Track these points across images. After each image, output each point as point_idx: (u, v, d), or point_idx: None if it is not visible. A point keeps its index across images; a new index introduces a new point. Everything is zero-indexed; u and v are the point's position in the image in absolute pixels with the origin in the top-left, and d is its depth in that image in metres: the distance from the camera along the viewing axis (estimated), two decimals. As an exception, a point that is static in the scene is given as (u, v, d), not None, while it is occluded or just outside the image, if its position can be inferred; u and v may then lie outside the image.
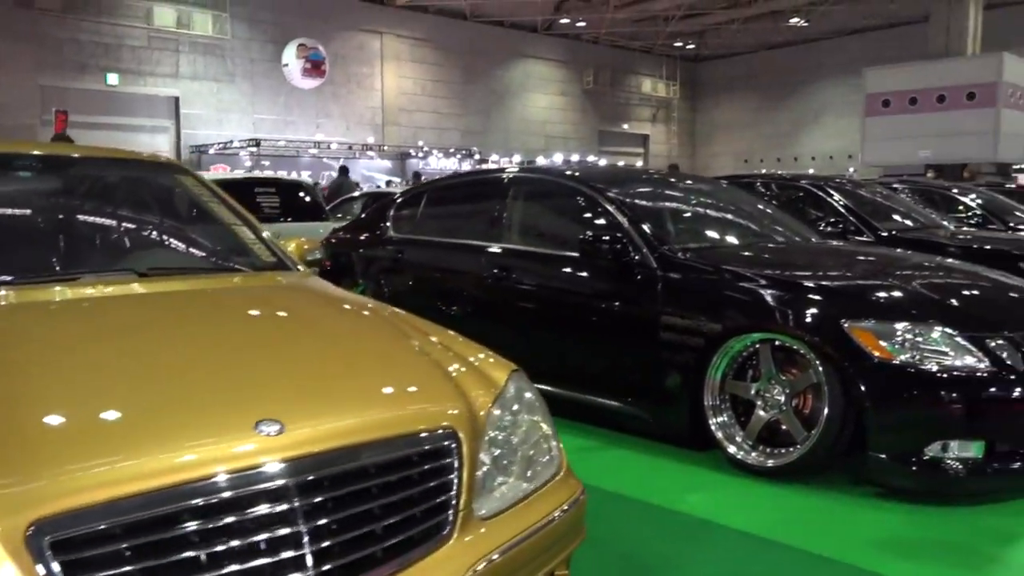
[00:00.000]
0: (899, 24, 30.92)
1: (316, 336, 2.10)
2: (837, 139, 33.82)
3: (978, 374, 3.09)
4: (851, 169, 28.11)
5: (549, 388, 4.20)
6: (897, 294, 3.46)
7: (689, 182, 5.02)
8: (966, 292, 3.70)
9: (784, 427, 3.38)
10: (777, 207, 7.52)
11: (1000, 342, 3.17)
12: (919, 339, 3.13)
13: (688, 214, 4.54)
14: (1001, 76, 17.14)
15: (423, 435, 1.75)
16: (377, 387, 1.87)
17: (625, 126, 38.83)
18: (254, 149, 25.63)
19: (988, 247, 6.02)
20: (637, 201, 4.29)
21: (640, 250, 3.80)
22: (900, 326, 3.17)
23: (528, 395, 2.10)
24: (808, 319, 3.30)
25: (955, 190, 9.24)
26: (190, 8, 25.91)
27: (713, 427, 3.56)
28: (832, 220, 6.20)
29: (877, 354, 3.12)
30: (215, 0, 26.46)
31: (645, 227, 3.92)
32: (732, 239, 4.35)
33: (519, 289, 4.38)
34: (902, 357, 3.12)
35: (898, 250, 4.69)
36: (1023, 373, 3.14)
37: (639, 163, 37.57)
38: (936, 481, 3.13)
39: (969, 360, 3.11)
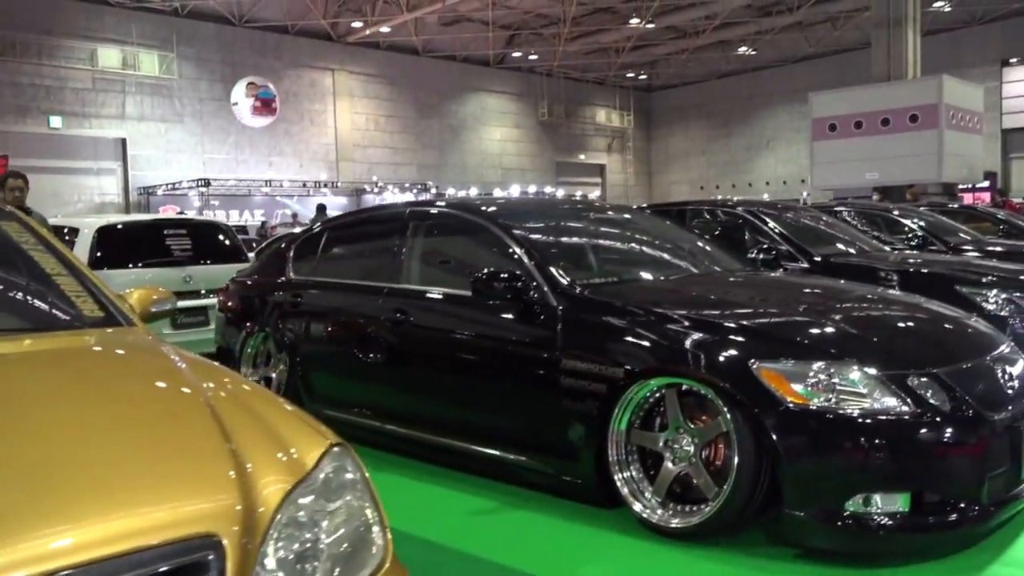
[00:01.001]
0: (843, 51, 31.51)
1: (84, 418, 1.72)
2: (789, 164, 34.23)
3: (902, 417, 2.77)
4: (805, 193, 28.37)
5: (450, 441, 3.85)
6: (814, 330, 3.13)
7: (608, 213, 4.71)
8: (894, 325, 3.40)
9: (697, 482, 3.05)
10: (709, 235, 7.36)
11: (925, 380, 2.86)
12: (836, 380, 2.80)
13: (599, 247, 4.23)
14: (941, 98, 17.34)
15: (170, 546, 1.38)
16: (127, 486, 1.48)
17: (582, 156, 38.97)
18: (204, 189, 25.12)
19: (924, 270, 5.80)
20: (540, 234, 3.97)
21: (540, 288, 3.47)
22: (815, 366, 2.84)
23: (349, 475, 1.74)
24: (714, 360, 2.95)
25: (896, 212, 9.12)
26: (136, 49, 25.48)
27: (618, 483, 3.20)
28: (766, 246, 5.95)
29: (789, 399, 2.79)
30: (162, 40, 26.08)
31: (546, 262, 3.59)
32: (645, 273, 4.04)
33: (417, 334, 4.03)
34: (816, 401, 2.79)
35: (827, 279, 4.40)
36: (951, 414, 2.81)
37: (596, 192, 37.64)
38: (859, 540, 2.76)
39: (891, 402, 2.78)
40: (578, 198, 16.15)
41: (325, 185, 28.19)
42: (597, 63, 35.08)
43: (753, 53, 34.08)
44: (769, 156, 37.02)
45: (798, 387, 2.80)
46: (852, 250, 6.51)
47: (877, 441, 2.72)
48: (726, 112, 38.04)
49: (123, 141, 25.99)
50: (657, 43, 32.95)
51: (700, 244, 4.69)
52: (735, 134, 38.18)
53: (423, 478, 3.94)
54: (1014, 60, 30.91)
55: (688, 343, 3.04)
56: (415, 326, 4.04)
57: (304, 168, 29.56)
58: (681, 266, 4.22)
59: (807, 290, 3.88)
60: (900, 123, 17.86)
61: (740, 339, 2.98)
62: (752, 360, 2.87)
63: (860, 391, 2.81)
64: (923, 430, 2.76)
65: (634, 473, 3.19)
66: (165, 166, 26.40)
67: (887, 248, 6.80)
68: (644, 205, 7.13)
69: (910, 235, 8.38)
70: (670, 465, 3.11)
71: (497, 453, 3.62)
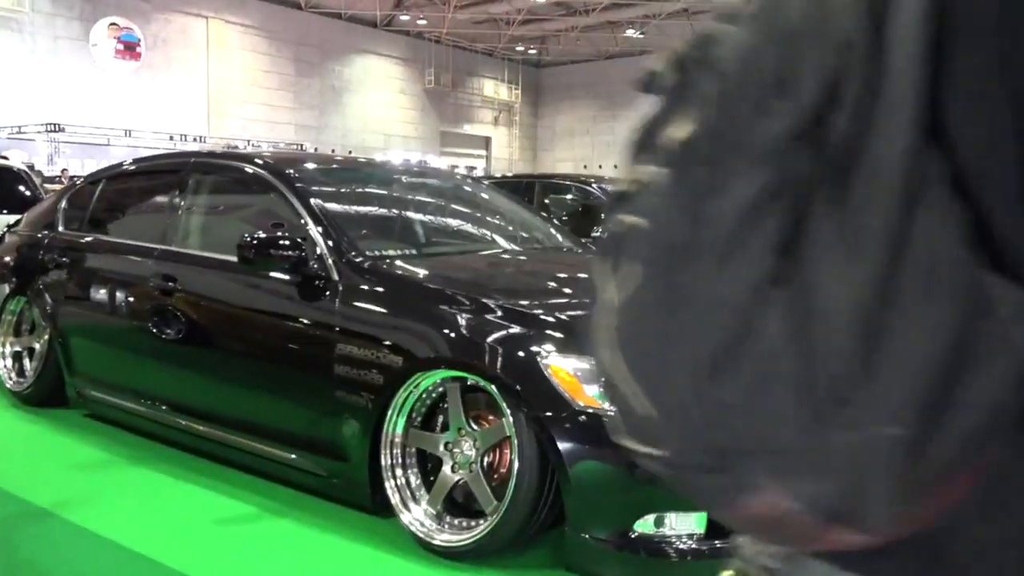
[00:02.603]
0: (727, 41, 32.12)
1: None
2: (671, 149, 34.74)
3: None
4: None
5: (219, 433, 3.27)
6: None
7: (431, 180, 4.19)
8: None
9: (476, 493, 2.61)
10: (568, 212, 7.03)
11: None
12: None
13: (408, 218, 3.71)
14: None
15: None
16: None
17: (467, 127, 38.33)
18: (54, 135, 23.03)
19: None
20: (339, 198, 3.44)
21: (324, 259, 2.93)
22: None
23: None
24: (498, 351, 2.51)
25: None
26: (-20, -25, 23.05)
27: (390, 490, 2.74)
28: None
29: (580, 401, 2.40)
30: (13, -33, 23.69)
31: (335, 229, 3.06)
32: (451, 247, 3.57)
33: (186, 305, 3.44)
34: (606, 404, 2.43)
35: None
36: None
37: (481, 165, 37.20)
38: (649, 567, 2.43)
39: None
40: (422, 165, 15.60)
41: (195, 139, 26.54)
42: (487, 34, 34.48)
43: (641, 36, 34.33)
44: (652, 140, 37.51)
45: (588, 386, 2.41)
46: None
47: None
48: (613, 94, 38.28)
49: (-39, 77, 23.57)
50: (547, 18, 32.66)
51: (532, 219, 4.27)
52: (621, 117, 38.48)
53: (189, 476, 3.36)
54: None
55: (472, 329, 2.59)
56: (184, 296, 3.44)
57: (173, 120, 27.68)
58: (497, 241, 3.78)
59: None
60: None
61: (531, 328, 2.55)
62: (541, 354, 2.45)
63: None
64: None
65: (412, 479, 2.73)
66: (11, 107, 24.08)
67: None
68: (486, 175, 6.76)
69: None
70: (449, 472, 2.66)
71: (267, 449, 3.09)
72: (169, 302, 3.47)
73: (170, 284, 3.48)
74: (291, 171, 3.32)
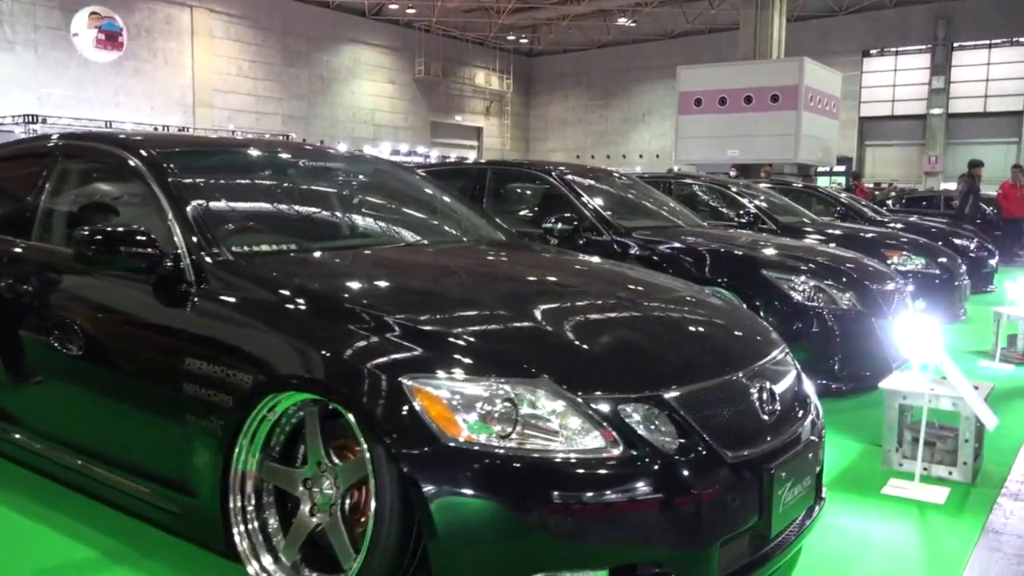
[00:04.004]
0: (719, 30, 31.67)
1: None
2: (663, 138, 34.27)
3: (605, 462, 2.00)
4: (675, 167, 28.43)
5: (73, 460, 2.83)
6: (511, 334, 2.30)
7: (331, 164, 3.70)
8: (627, 328, 2.56)
9: (333, 541, 2.19)
10: (517, 202, 6.63)
11: (647, 408, 2.10)
12: (519, 408, 2.01)
13: (294, 208, 3.26)
14: (802, 80, 17.35)
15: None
16: None
17: (458, 118, 37.88)
18: (35, 127, 22.52)
19: (732, 251, 5.19)
20: (207, 184, 3.00)
21: (180, 256, 2.52)
22: (490, 387, 2.04)
23: None
24: (358, 371, 2.10)
25: (734, 188, 8.68)
26: (-43, -36, 22.54)
27: (237, 536, 2.33)
28: (567, 215, 5.24)
29: (448, 432, 1.99)
30: (-10, -44, 23.18)
31: (201, 222, 2.64)
32: (340, 241, 3.13)
33: (33, 310, 3.03)
34: (485, 437, 1.98)
35: (582, 259, 3.48)
36: (675, 455, 2.06)
37: (472, 156, 36.69)
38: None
39: (592, 439, 2.02)
40: (329, 146, 15.11)
41: (180, 130, 26.04)
42: (478, 22, 33.96)
43: (632, 25, 33.83)
44: (644, 129, 37.10)
45: (463, 416, 2.00)
46: (665, 225, 5.88)
47: (567, 497, 1.95)
48: (605, 83, 37.81)
49: (-61, 67, 23.09)
50: (538, 6, 32.13)
51: (460, 211, 3.85)
52: (612, 106, 38.04)
53: (32, 509, 2.90)
54: (874, 51, 31.90)
55: (331, 342, 2.18)
56: (29, 300, 3.03)
57: (156, 111, 27.23)
58: (406, 236, 3.36)
59: (544, 274, 3.07)
60: (762, 102, 17.83)
61: (397, 341, 2.14)
62: (404, 374, 2.05)
63: (551, 425, 2.03)
64: (634, 480, 2.02)
65: (271, 522, 2.33)
66: (-9, 99, 23.58)
67: (705, 224, 6.22)
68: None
69: (742, 213, 7.92)
70: (307, 514, 2.26)
71: (120, 480, 2.68)
72: (19, 305, 3.07)
73: (21, 284, 3.07)
74: (156, 154, 2.90)
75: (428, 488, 1.97)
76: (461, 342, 2.17)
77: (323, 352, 2.21)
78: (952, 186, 19.68)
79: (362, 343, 2.18)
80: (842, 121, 22.96)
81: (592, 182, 6.12)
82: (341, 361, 2.17)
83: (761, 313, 4.83)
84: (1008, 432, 4.14)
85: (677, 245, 5.31)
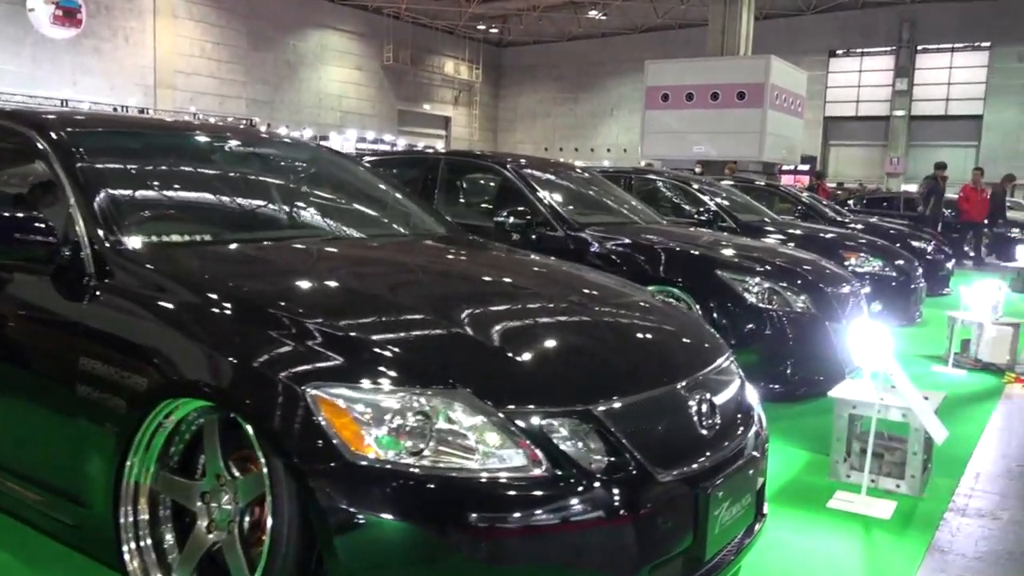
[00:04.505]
0: (689, 25, 31.63)
1: None
2: (631, 132, 34.20)
3: (527, 480, 1.83)
4: (642, 162, 28.44)
5: None
6: (433, 341, 2.12)
7: (261, 149, 3.43)
8: (563, 335, 2.36)
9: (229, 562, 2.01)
10: (473, 196, 6.46)
11: (574, 421, 1.93)
12: (434, 421, 1.85)
13: (215, 195, 3.01)
14: (768, 78, 17.36)
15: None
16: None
17: (426, 107, 37.48)
18: (-15, 104, 21.82)
19: (687, 251, 5.07)
20: (119, 167, 2.78)
21: (80, 245, 2.31)
22: (395, 396, 1.87)
23: None
24: (258, 376, 1.93)
25: (695, 185, 8.58)
26: (-94, -67, 21.66)
27: (127, 554, 2.15)
28: (520, 209, 5.09)
29: (352, 447, 1.81)
30: (-61, -75, 22.33)
31: (105, 208, 2.43)
32: (268, 233, 2.92)
33: None
34: (393, 454, 1.81)
35: (523, 257, 3.32)
36: (602, 474, 1.90)
37: (440, 145, 36.37)
38: None
39: (513, 456, 1.85)
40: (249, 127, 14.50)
41: (141, 111, 25.40)
42: (447, 11, 33.59)
43: (603, 18, 33.70)
44: (613, 124, 37.05)
45: (372, 430, 1.83)
46: (622, 221, 5.75)
47: (482, 521, 1.79)
48: (575, 76, 37.66)
49: None
50: (508, -4, 31.89)
51: (395, 201, 3.66)
52: (582, 100, 37.92)
53: None
54: (840, 51, 32.14)
55: (231, 343, 1.99)
56: None
57: (115, 91, 26.54)
58: (329, 228, 3.14)
59: (479, 274, 2.91)
60: (728, 99, 17.83)
61: (304, 345, 1.97)
62: (308, 382, 1.87)
63: (468, 441, 1.87)
64: (557, 502, 1.86)
65: (168, 538, 2.14)
66: (-62, 75, 22.81)
67: (664, 221, 6.09)
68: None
69: (702, 210, 7.82)
70: (204, 531, 2.08)
71: (14, 487, 2.47)
72: None
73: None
74: (65, 135, 2.67)
75: (329, 508, 1.80)
76: (374, 349, 1.99)
77: (221, 355, 2.02)
78: (913, 188, 19.89)
79: (265, 346, 1.99)
80: (807, 120, 23.08)
81: (549, 176, 5.97)
82: (239, 365, 1.98)
83: (715, 315, 4.73)
84: (958, 442, 4.07)
85: (632, 242, 5.17)
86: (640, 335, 2.57)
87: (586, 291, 2.86)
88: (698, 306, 4.78)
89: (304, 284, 2.45)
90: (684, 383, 2.27)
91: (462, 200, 6.18)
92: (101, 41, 26.38)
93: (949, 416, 4.53)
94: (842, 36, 31.45)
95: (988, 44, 29.10)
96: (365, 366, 1.94)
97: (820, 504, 3.21)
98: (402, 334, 2.13)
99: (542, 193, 5.45)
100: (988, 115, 29.23)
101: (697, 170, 16.62)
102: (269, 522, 1.89)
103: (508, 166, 5.67)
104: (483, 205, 6.06)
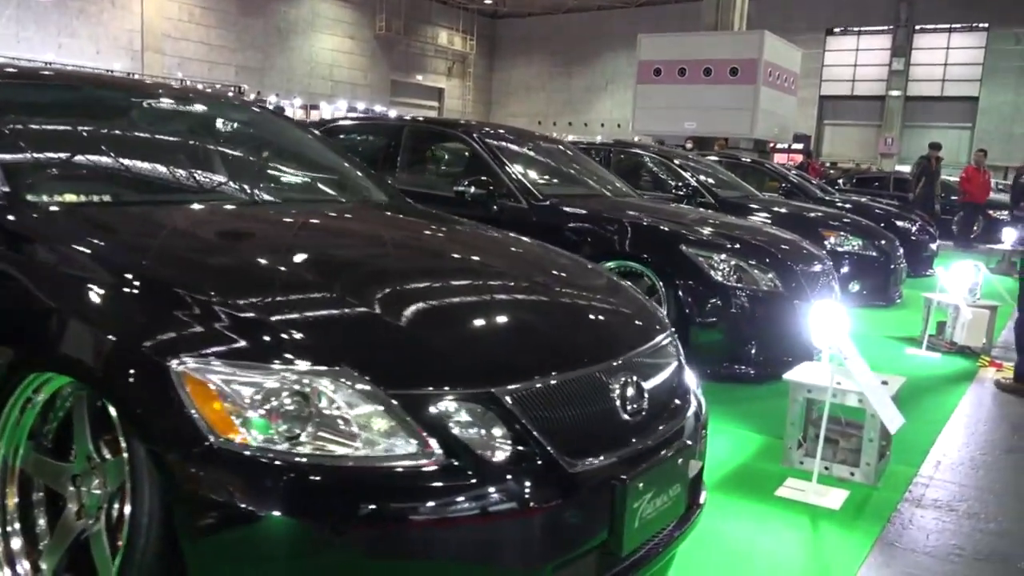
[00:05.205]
0: (684, 0, 31.14)
1: None
2: (625, 107, 33.79)
3: (417, 471, 1.67)
4: (636, 138, 28.09)
5: None
6: (320, 313, 1.92)
7: (188, 107, 3.13)
8: (460, 312, 2.14)
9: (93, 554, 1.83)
10: (442, 164, 6.24)
11: (472, 406, 1.75)
12: (310, 403, 1.66)
13: (124, 153, 2.77)
14: (761, 54, 17.05)
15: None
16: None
17: (419, 77, 36.98)
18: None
19: (654, 225, 4.87)
20: (15, 122, 2.55)
21: None
22: (270, 374, 1.67)
23: None
24: (121, 350, 1.73)
25: (677, 161, 8.36)
26: None
27: None
28: (483, 179, 4.90)
29: (219, 429, 1.61)
30: None
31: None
32: (178, 196, 2.72)
33: None
34: (265, 439, 1.62)
35: (467, 229, 3.03)
36: (501, 466, 1.73)
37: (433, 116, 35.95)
38: None
39: (403, 444, 1.66)
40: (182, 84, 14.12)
41: (128, 75, 24.97)
42: (441, -21, 33.06)
43: (599, -10, 33.20)
44: (607, 98, 36.64)
45: (242, 411, 1.65)
46: (589, 194, 5.55)
47: (366, 515, 1.62)
48: (569, 49, 37.18)
49: None
50: (503, -35, 31.34)
51: (335, 166, 3.45)
52: (576, 73, 37.47)
53: None
54: (837, 30, 31.72)
55: (95, 312, 1.79)
56: None
57: (102, 55, 26.09)
58: (244, 192, 2.91)
59: (403, 244, 2.71)
60: (721, 74, 17.52)
61: (177, 316, 1.77)
62: (175, 356, 1.69)
63: (351, 427, 1.69)
64: (451, 494, 1.69)
65: (41, 522, 1.97)
66: (-86, 34, 22.36)
67: (634, 195, 5.89)
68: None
69: (681, 186, 7.63)
70: (72, 518, 1.91)
71: None
72: None
73: None
74: None
75: (190, 496, 1.62)
76: (256, 323, 1.79)
77: (83, 325, 1.83)
78: (906, 168, 19.65)
79: (133, 316, 1.80)
80: (802, 99, 22.77)
81: (516, 147, 5.75)
82: (100, 336, 1.79)
83: (680, 292, 4.55)
84: (922, 428, 3.92)
85: (597, 216, 4.98)
86: (564, 313, 2.37)
87: (517, 265, 2.67)
88: (662, 282, 4.61)
89: (195, 252, 2.23)
90: (607, 365, 2.09)
91: (426, 169, 5.97)
92: (87, 3, 25.87)
93: (916, 400, 4.38)
94: (839, 14, 31.02)
95: (986, 25, 28.72)
96: (241, 341, 1.74)
97: (768, 492, 3.04)
98: (294, 308, 1.92)
99: (507, 163, 5.24)
100: (984, 97, 28.94)
101: (688, 146, 16.38)
102: (127, 510, 1.71)
103: (474, 135, 5.45)
104: (447, 175, 5.84)
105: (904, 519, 2.91)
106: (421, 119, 7.13)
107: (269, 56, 30.97)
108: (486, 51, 39.53)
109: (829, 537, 2.75)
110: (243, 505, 1.62)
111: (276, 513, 1.62)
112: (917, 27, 30.10)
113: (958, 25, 29.46)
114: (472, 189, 4.87)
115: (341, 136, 6.12)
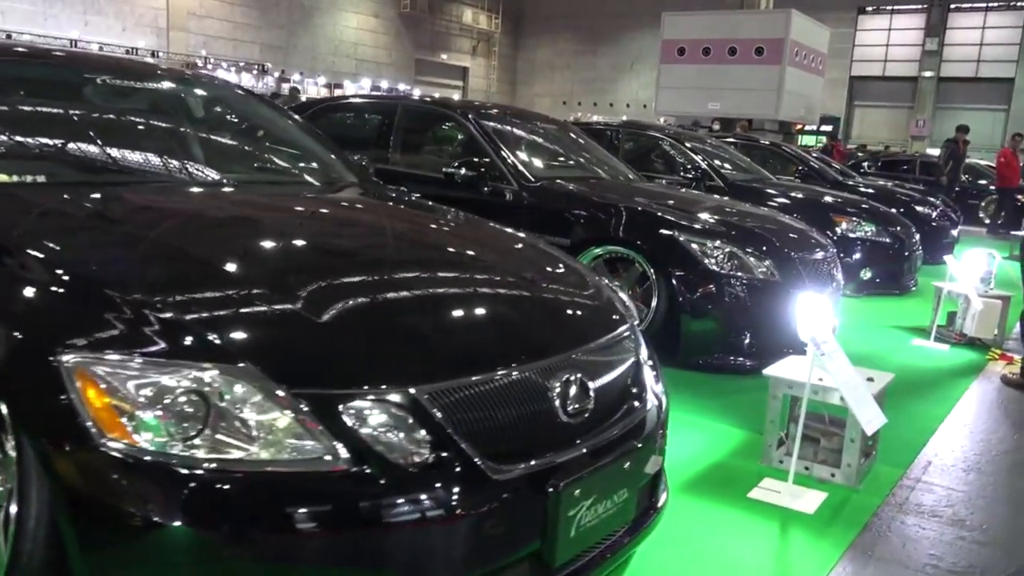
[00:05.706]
0: (713, -23, 30.54)
1: None
2: (651, 88, 33.22)
3: (323, 477, 1.57)
4: (661, 119, 27.66)
5: None
6: (216, 305, 1.77)
7: (149, 83, 3.00)
8: (388, 307, 1.99)
9: None
10: (432, 144, 6.10)
11: (394, 410, 1.64)
12: (208, 403, 1.56)
13: (74, 131, 2.68)
14: (788, 34, 16.66)
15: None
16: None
17: (444, 56, 36.74)
18: (-5, 43, 21.52)
19: (647, 210, 4.71)
20: None
21: None
22: (165, 371, 1.56)
23: None
24: (10, 339, 1.64)
25: (688, 144, 8.14)
26: None
27: None
28: (474, 160, 4.79)
29: (106, 429, 1.50)
30: None
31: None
32: (126, 176, 2.61)
33: None
34: (156, 440, 1.51)
35: (412, 208, 2.97)
36: (416, 471, 1.62)
37: (457, 96, 35.74)
38: None
39: (309, 448, 1.56)
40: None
41: (153, 54, 25.15)
42: (466, -43, 32.72)
43: (626, -33, 32.65)
44: (633, 78, 36.16)
45: (133, 410, 1.55)
46: (585, 177, 5.40)
47: (265, 524, 1.52)
48: (595, 28, 36.69)
49: None
50: (529, -58, 30.92)
51: (303, 146, 3.34)
52: (601, 53, 36.99)
53: None
54: (870, 8, 30.92)
55: (7, 302, 1.72)
56: None
57: (127, 33, 26.20)
58: (191, 173, 2.79)
59: (349, 230, 2.58)
60: (746, 54, 17.16)
61: (74, 306, 1.66)
62: (65, 350, 1.59)
63: (248, 428, 1.59)
64: (360, 501, 1.58)
65: None
66: (-54, 10, 22.58)
67: (632, 178, 5.71)
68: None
69: (689, 169, 7.44)
70: None
71: None
72: None
73: None
74: None
75: (74, 500, 1.53)
76: (157, 316, 1.69)
77: None
78: (935, 152, 19.16)
79: (29, 303, 1.71)
80: (833, 80, 22.27)
81: (514, 128, 5.61)
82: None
83: (672, 280, 4.40)
84: (916, 425, 3.74)
85: (589, 200, 4.83)
86: (502, 308, 2.23)
87: (467, 254, 2.54)
88: (652, 269, 4.46)
89: (107, 237, 2.12)
90: (544, 363, 1.96)
91: (420, 149, 5.85)
92: (112, -19, 25.98)
93: (914, 396, 4.21)
94: (873, -9, 30.27)
95: (1025, 3, 27.86)
96: (137, 335, 1.64)
97: (741, 493, 2.90)
98: (203, 302, 1.81)
99: (501, 144, 5.10)
100: (1020, 78, 28.08)
101: (715, 127, 16.08)
102: (13, 509, 1.63)
103: (469, 115, 5.31)
104: (440, 155, 5.72)
105: (882, 525, 2.76)
106: (415, 98, 6.99)
107: (293, 34, 30.92)
108: (511, 30, 39.15)
109: (797, 544, 2.61)
110: (132, 511, 1.52)
111: (167, 520, 1.52)
112: (952, 6, 29.25)
113: (995, 4, 28.57)
114: (462, 171, 4.75)
115: (336, 115, 6.02)
